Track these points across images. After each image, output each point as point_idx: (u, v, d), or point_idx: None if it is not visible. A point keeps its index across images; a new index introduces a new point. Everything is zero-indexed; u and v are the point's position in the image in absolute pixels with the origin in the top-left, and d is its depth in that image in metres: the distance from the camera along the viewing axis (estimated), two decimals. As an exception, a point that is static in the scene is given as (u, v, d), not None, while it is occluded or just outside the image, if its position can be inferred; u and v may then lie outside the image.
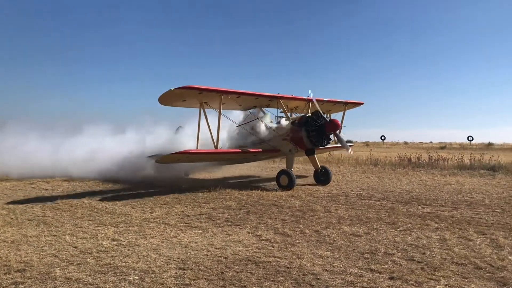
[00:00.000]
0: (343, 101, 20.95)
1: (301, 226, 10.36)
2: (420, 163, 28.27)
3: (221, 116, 16.91)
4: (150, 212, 12.25)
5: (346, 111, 21.76)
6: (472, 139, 73.86)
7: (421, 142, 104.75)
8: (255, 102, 18.79)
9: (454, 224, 10.54)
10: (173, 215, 11.76)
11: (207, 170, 23.79)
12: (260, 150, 17.61)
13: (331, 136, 17.84)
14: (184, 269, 6.95)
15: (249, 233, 9.63)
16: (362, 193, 16.11)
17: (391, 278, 6.50)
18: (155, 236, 9.36)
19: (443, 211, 12.39)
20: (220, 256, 7.71)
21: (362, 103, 22.49)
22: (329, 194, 15.69)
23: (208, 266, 7.11)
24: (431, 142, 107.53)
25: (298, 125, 17.49)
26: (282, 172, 17.27)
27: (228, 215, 11.77)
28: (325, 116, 17.90)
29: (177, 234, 9.54)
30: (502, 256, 7.67)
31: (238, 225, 10.43)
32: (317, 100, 18.47)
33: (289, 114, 19.17)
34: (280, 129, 18.09)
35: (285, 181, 16.90)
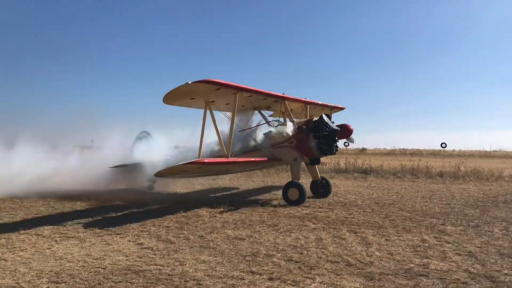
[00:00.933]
0: (331, 105, 18.90)
1: (185, 232, 10.27)
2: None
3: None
4: (21, 223, 11.28)
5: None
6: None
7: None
8: (261, 103, 16.18)
9: (330, 224, 11.23)
10: (48, 225, 10.94)
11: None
12: (265, 159, 14.84)
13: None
14: (57, 283, 6.50)
15: (130, 241, 9.31)
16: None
17: (270, 279, 6.70)
18: (26, 248, 8.63)
19: (320, 212, 13.15)
20: (98, 267, 7.34)
21: (344, 108, 20.26)
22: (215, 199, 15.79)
23: (85, 278, 6.72)
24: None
25: (305, 131, 15.29)
26: (291, 185, 14.71)
27: (108, 223, 11.27)
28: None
29: (51, 245, 8.89)
30: (370, 253, 8.32)
31: (118, 234, 10.03)
32: (312, 103, 17.25)
33: (280, 119, 17.23)
34: (281, 135, 15.60)
35: (295, 195, 14.42)
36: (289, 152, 15.26)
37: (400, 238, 9.64)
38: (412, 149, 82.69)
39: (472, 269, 7.23)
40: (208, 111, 14.12)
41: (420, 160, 31.84)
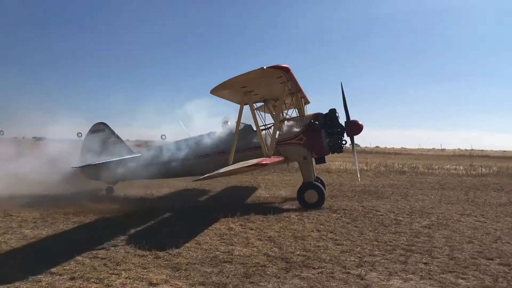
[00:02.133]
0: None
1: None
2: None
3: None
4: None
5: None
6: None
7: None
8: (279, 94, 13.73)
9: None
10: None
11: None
12: (281, 158, 12.89)
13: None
14: None
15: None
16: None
17: (72, 279, 6.28)
18: None
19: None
20: None
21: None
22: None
23: None
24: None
25: (317, 127, 13.91)
26: (308, 186, 13.25)
27: None
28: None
29: None
30: (178, 244, 8.43)
31: None
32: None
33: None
34: (289, 131, 13.99)
35: (314, 197, 12.98)
36: (297, 150, 13.69)
37: (209, 228, 9.99)
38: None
39: (271, 252, 7.89)
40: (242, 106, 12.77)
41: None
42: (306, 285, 6.24)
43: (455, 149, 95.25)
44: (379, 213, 12.25)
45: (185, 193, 16.76)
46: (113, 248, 8.05)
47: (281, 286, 6.16)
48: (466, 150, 69.47)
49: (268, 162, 11.45)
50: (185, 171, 14.04)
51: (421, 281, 6.47)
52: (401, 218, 11.46)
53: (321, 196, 12.99)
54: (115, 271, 6.70)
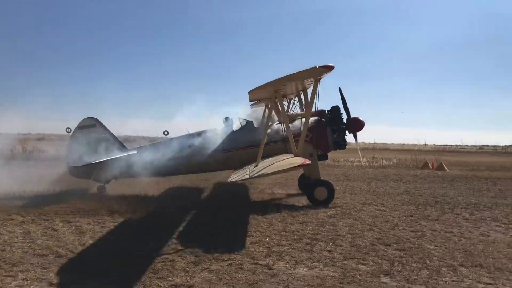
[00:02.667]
0: None
1: None
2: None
3: None
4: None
5: None
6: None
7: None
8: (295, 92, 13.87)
9: (41, 216, 10.38)
10: None
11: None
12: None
13: None
14: None
15: None
16: None
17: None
18: None
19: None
20: None
21: None
22: None
23: None
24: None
25: (323, 123, 13.82)
26: (318, 183, 12.84)
27: None
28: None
29: None
30: (83, 241, 8.07)
31: None
32: None
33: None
34: (296, 128, 13.46)
35: (324, 194, 12.58)
36: (303, 147, 12.90)
37: (116, 223, 9.68)
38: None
39: (180, 247, 7.79)
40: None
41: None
42: (215, 277, 6.26)
43: (359, 143, 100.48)
44: (289, 204, 12.65)
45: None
46: (9, 248, 7.51)
47: (189, 280, 6.12)
48: (370, 143, 73.59)
49: (308, 162, 10.78)
50: (212, 166, 14.00)
51: (325, 268, 6.76)
52: (308, 208, 11.90)
53: (330, 193, 12.75)
54: (11, 272, 6.26)
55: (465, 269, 6.80)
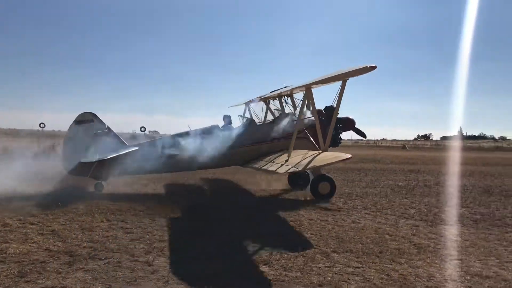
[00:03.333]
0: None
1: None
2: None
3: None
4: None
5: None
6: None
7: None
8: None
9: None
10: None
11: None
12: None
13: None
14: None
15: None
16: None
17: None
18: None
19: None
20: None
21: None
22: None
23: None
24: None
25: (324, 120, 14.14)
26: (321, 178, 13.20)
27: None
28: None
29: None
30: None
31: None
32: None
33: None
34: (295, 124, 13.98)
35: (327, 189, 13.04)
36: (305, 144, 13.90)
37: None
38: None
39: (53, 247, 7.30)
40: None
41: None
42: (90, 277, 5.93)
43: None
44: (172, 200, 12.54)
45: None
46: None
47: (61, 282, 5.73)
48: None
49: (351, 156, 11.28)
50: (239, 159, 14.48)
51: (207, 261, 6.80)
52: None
53: (333, 187, 13.22)
54: None
55: (337, 255, 7.28)
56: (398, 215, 10.99)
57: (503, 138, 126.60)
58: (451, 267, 6.76)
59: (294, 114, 14.87)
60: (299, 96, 15.06)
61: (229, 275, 6.20)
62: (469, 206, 12.53)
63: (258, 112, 16.31)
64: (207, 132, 14.36)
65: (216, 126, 14.80)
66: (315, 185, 13.28)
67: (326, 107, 14.97)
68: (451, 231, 9.31)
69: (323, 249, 7.61)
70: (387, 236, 8.67)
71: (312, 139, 14.17)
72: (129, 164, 13.05)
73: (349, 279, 6.09)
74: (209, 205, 12.11)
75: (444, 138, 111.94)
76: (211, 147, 13.72)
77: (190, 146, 13.77)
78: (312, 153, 12.11)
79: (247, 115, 16.21)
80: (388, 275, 6.31)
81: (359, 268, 6.64)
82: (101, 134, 13.62)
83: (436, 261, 7.07)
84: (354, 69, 10.88)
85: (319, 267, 6.59)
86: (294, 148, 12.91)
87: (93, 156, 13.00)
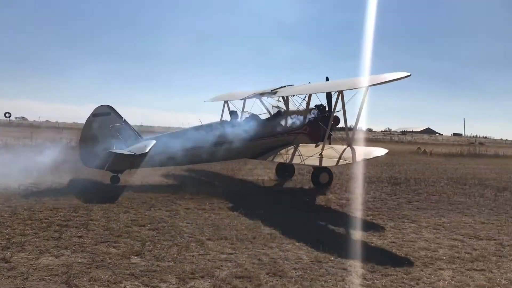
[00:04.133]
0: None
1: None
2: None
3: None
4: None
5: None
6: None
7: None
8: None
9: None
10: None
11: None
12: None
13: None
14: None
15: None
16: None
17: None
18: None
19: None
20: None
21: None
22: None
23: None
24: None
25: (317, 119, 15.70)
26: (322, 169, 14.41)
27: None
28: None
29: None
30: None
31: None
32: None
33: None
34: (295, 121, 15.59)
35: (326, 178, 14.68)
36: (303, 140, 15.17)
37: None
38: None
39: None
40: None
41: None
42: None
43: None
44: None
45: None
46: None
47: None
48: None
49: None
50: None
51: (73, 255, 6.36)
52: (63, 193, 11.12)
53: (331, 177, 14.81)
54: None
55: (211, 242, 7.33)
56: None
57: None
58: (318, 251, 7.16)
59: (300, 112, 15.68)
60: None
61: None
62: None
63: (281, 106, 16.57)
64: (229, 125, 14.87)
65: (235, 117, 15.98)
66: (316, 176, 14.62)
67: (317, 105, 16.18)
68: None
69: (198, 237, 7.60)
70: (260, 222, 8.93)
71: (309, 135, 15.41)
72: (151, 157, 12.90)
73: (221, 266, 6.16)
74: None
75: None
76: (238, 139, 14.15)
77: (214, 138, 14.03)
78: (340, 147, 12.70)
79: (256, 109, 16.50)
80: (259, 259, 6.51)
81: (232, 254, 6.75)
82: (118, 127, 13.22)
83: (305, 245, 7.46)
84: (391, 78, 11.46)
85: (193, 255, 6.57)
86: (298, 142, 14.57)
87: (119, 148, 12.68)
